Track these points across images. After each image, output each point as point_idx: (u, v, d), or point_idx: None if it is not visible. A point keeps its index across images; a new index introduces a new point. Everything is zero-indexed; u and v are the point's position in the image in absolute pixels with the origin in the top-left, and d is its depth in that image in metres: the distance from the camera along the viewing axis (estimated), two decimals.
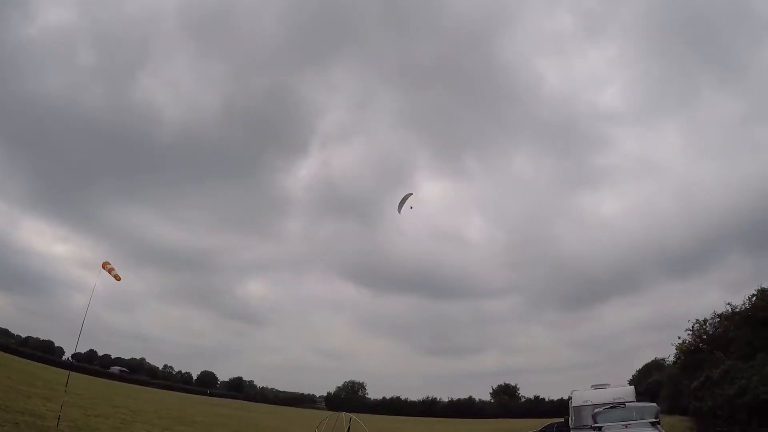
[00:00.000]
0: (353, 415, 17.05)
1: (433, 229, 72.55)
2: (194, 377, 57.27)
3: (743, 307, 16.37)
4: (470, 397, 51.00)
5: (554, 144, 70.23)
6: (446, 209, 76.14)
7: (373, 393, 56.75)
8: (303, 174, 75.64)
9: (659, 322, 47.65)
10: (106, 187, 64.10)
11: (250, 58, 66.82)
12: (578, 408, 10.58)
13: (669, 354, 24.04)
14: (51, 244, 66.27)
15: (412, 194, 19.04)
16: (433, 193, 75.43)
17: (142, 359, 55.87)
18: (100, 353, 51.05)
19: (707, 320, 19.29)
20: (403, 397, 54.06)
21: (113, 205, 64.27)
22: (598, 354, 56.03)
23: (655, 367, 28.49)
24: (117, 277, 10.07)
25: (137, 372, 50.99)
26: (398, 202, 19.38)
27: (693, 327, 19.91)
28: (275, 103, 67.56)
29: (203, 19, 63.72)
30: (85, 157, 63.05)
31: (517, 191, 71.59)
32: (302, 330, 73.01)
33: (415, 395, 53.60)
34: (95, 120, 60.91)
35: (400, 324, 68.76)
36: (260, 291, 75.19)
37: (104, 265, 9.89)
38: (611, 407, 8.74)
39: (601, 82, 70.43)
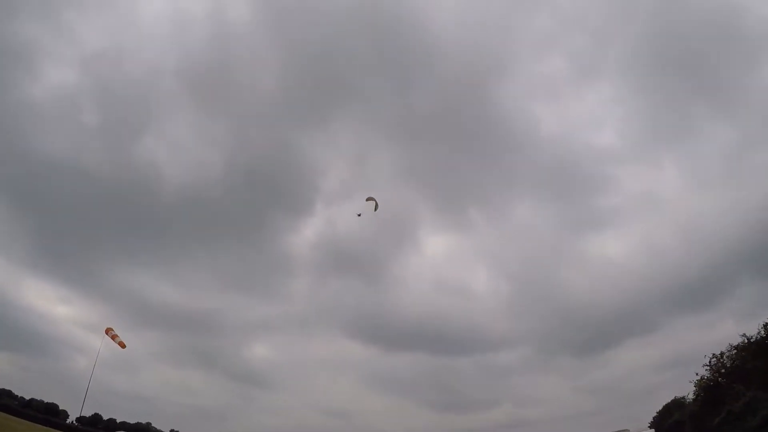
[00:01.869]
0: None
1: (439, 283, 71.73)
2: None
3: (758, 336, 16.21)
4: None
5: (555, 188, 70.57)
6: (451, 262, 75.49)
7: None
8: (307, 233, 75.68)
9: (675, 359, 46.25)
10: (109, 247, 64.21)
11: (251, 117, 68.50)
12: None
13: (688, 392, 23.49)
14: (53, 304, 65.73)
15: (374, 200, 19.09)
16: (437, 247, 75.06)
17: (148, 423, 54.27)
18: (105, 417, 49.60)
19: (723, 353, 19.02)
20: None
21: (116, 265, 64.11)
22: (615, 398, 54.06)
23: (674, 406, 27.62)
24: (121, 345, 10.16)
25: None
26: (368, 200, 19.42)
27: (710, 362, 19.61)
28: (278, 162, 68.63)
29: (203, 78, 65.80)
30: (88, 217, 63.52)
31: (521, 239, 71.24)
32: (309, 390, 70.88)
33: None
34: (98, 179, 61.86)
35: (409, 381, 66.79)
36: (266, 352, 73.63)
37: (107, 332, 10.05)
38: None
39: (598, 122, 71.62)
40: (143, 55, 68.87)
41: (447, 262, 73.12)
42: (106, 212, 63.46)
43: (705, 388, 19.70)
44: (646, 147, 65.95)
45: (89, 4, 66.70)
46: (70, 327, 66.85)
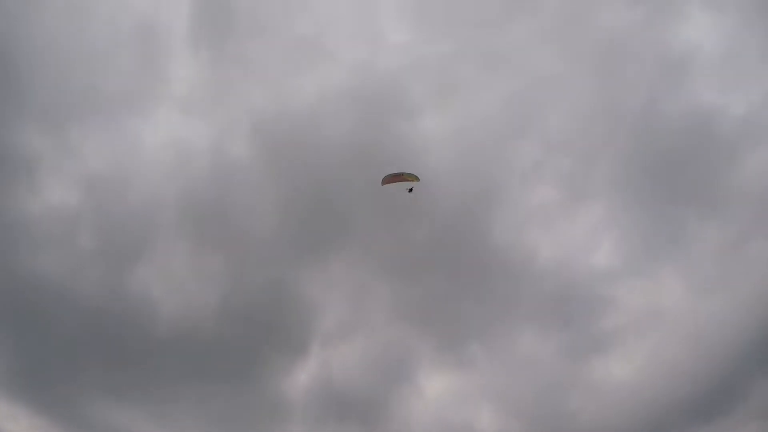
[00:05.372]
0: None
1: (441, 425, 67.44)
2: None
3: None
4: None
5: (557, 315, 68.99)
6: (453, 402, 71.54)
7: None
8: (303, 375, 72.06)
9: None
10: (93, 378, 60.47)
11: (248, 254, 68.49)
12: None
13: None
14: None
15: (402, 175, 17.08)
16: (438, 387, 71.67)
17: None
18: None
19: None
20: None
21: (99, 399, 59.85)
22: None
23: None
24: None
25: None
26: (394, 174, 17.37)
27: None
28: (274, 301, 67.76)
29: (201, 212, 66.94)
30: (74, 344, 60.57)
31: (525, 371, 68.03)
32: None
33: None
34: (88, 307, 59.90)
35: None
36: None
37: None
38: None
39: (592, 243, 72.33)
40: (144, 183, 70.27)
41: (449, 402, 69.26)
42: (94, 341, 60.95)
43: None
44: (642, 261, 66.30)
45: (95, 126, 69.30)
46: None
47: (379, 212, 69.37)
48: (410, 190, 18.33)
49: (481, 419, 66.17)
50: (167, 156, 71.52)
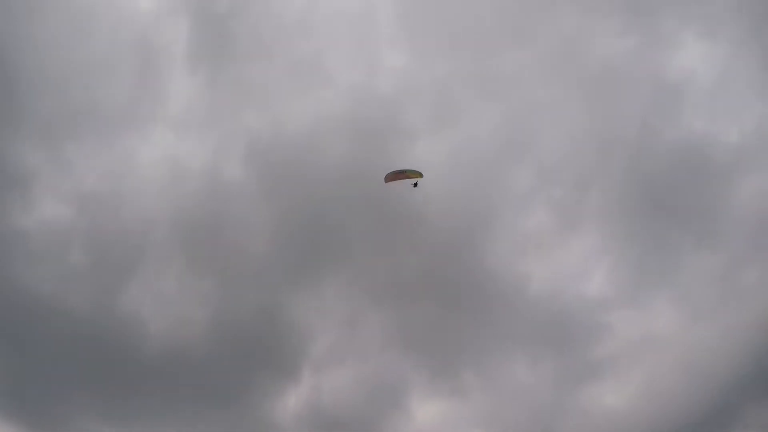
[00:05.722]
0: None
1: None
2: None
3: None
4: None
5: (551, 343, 68.44)
6: (446, 430, 70.72)
7: None
8: (293, 400, 71.08)
9: None
10: (80, 398, 59.61)
11: (240, 276, 67.97)
12: None
13: None
14: None
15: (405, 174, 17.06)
16: (430, 414, 70.84)
17: None
18: None
19: None
20: None
21: (85, 418, 59.14)
22: None
23: None
24: None
25: None
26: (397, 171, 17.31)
27: None
28: (266, 324, 66.88)
29: (194, 233, 66.51)
30: (63, 361, 59.71)
31: (518, 399, 67.34)
32: None
33: None
34: (78, 323, 59.07)
35: None
36: None
37: None
38: None
39: (586, 271, 71.77)
40: (138, 201, 69.86)
41: (442, 430, 68.34)
42: (83, 359, 60.03)
43: None
44: (636, 289, 65.77)
45: (90, 142, 68.88)
46: None
47: (374, 237, 69.27)
48: (415, 185, 18.27)
49: None
50: (162, 174, 70.94)
